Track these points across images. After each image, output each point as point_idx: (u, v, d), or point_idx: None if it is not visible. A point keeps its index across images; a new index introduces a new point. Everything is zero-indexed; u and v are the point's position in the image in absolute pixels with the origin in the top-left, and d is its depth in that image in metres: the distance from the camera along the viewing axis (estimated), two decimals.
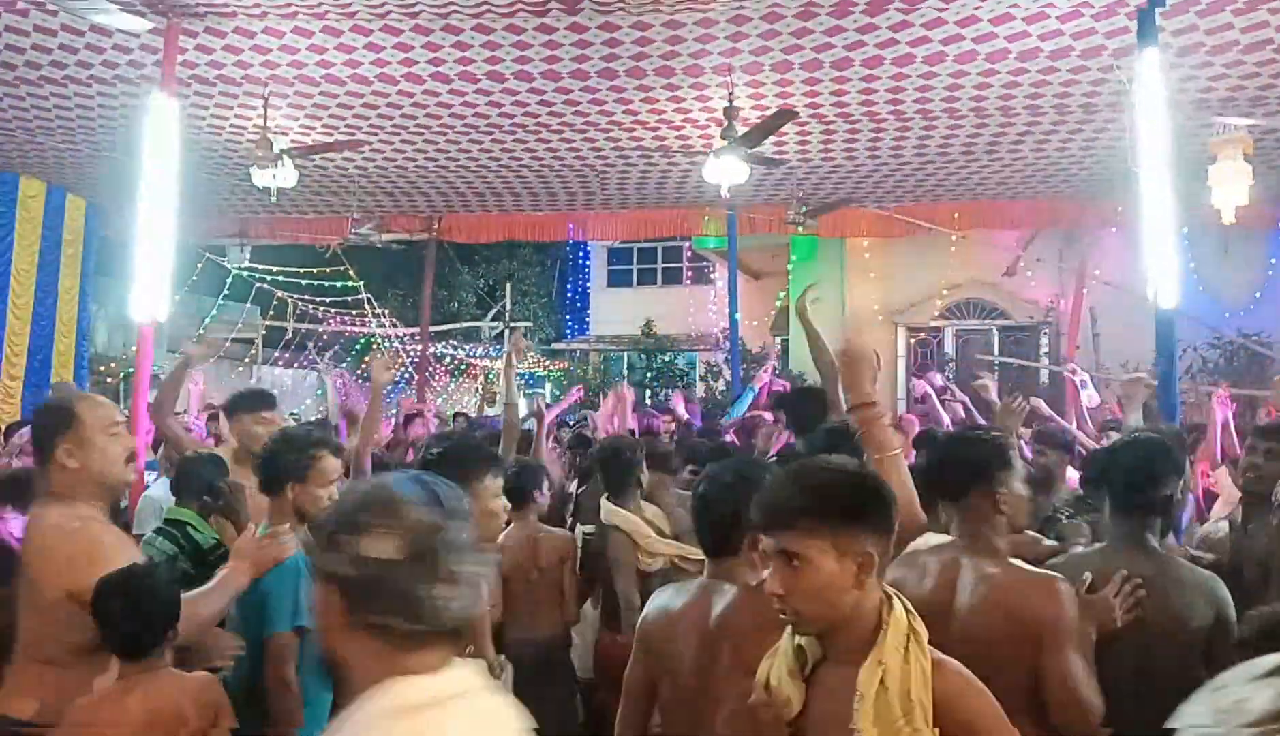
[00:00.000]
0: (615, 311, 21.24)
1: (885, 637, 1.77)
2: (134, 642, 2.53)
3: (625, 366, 20.27)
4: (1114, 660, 2.61)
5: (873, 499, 1.86)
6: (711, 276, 20.37)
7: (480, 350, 22.70)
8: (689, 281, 21.50)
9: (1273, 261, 12.82)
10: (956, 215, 11.14)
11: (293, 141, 8.22)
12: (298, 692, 2.89)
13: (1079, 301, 12.16)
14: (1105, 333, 12.82)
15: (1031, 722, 2.23)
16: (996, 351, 14.16)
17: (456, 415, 11.41)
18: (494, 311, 24.11)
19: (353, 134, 8.39)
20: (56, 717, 2.46)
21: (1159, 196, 5.65)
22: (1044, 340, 14.29)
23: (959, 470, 2.59)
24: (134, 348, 6.75)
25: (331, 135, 8.41)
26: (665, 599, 2.49)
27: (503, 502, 2.91)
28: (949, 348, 14.72)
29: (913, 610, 1.85)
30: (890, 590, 1.88)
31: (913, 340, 15.08)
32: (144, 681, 2.51)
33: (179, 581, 2.72)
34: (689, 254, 20.45)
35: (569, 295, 25.09)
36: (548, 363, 22.92)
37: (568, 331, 24.61)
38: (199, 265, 13.48)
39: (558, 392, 19.61)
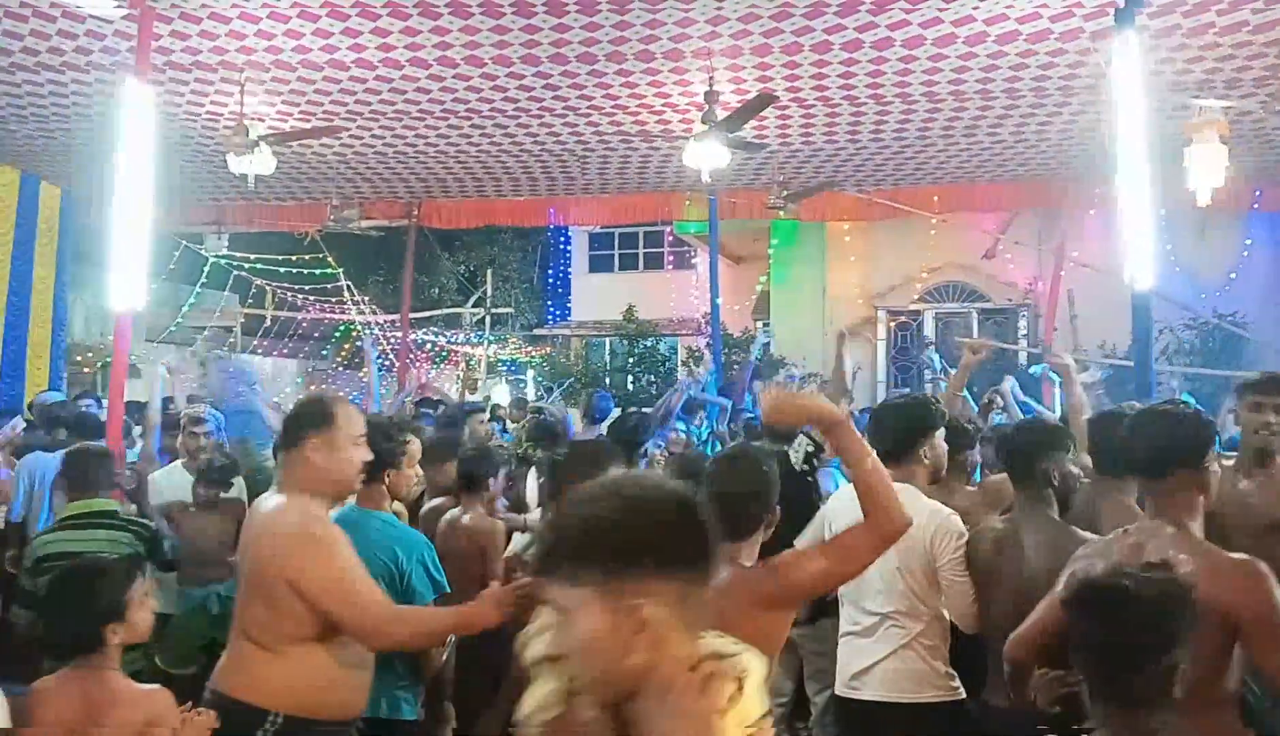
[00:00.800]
0: (597, 297, 21.21)
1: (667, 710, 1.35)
2: (72, 640, 2.47)
3: (607, 352, 20.27)
4: (1001, 622, 2.84)
5: (664, 535, 1.38)
6: (693, 261, 20.36)
7: (461, 336, 22.63)
8: (670, 266, 21.49)
9: (1248, 243, 12.94)
10: (936, 198, 11.15)
11: (270, 128, 8.15)
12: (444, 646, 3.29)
13: (1057, 283, 12.23)
14: (1083, 314, 12.86)
15: (1191, 715, 2.11)
16: (976, 334, 14.23)
17: (438, 402, 11.39)
18: (475, 297, 24.03)
19: (330, 120, 8.32)
20: (264, 700, 2.57)
21: (1136, 178, 5.70)
22: (1023, 322, 14.38)
23: (1164, 446, 2.48)
24: (111, 336, 6.70)
25: (309, 121, 8.34)
26: None
27: None
28: (929, 330, 14.78)
29: (749, 687, 1.40)
30: (721, 649, 1.43)
31: (893, 323, 15.13)
32: (83, 680, 2.44)
33: (127, 581, 2.66)
34: (670, 239, 20.42)
35: (550, 281, 25.03)
36: (529, 349, 22.88)
37: (549, 317, 24.56)
38: (176, 253, 13.35)
39: (540, 379, 19.58)
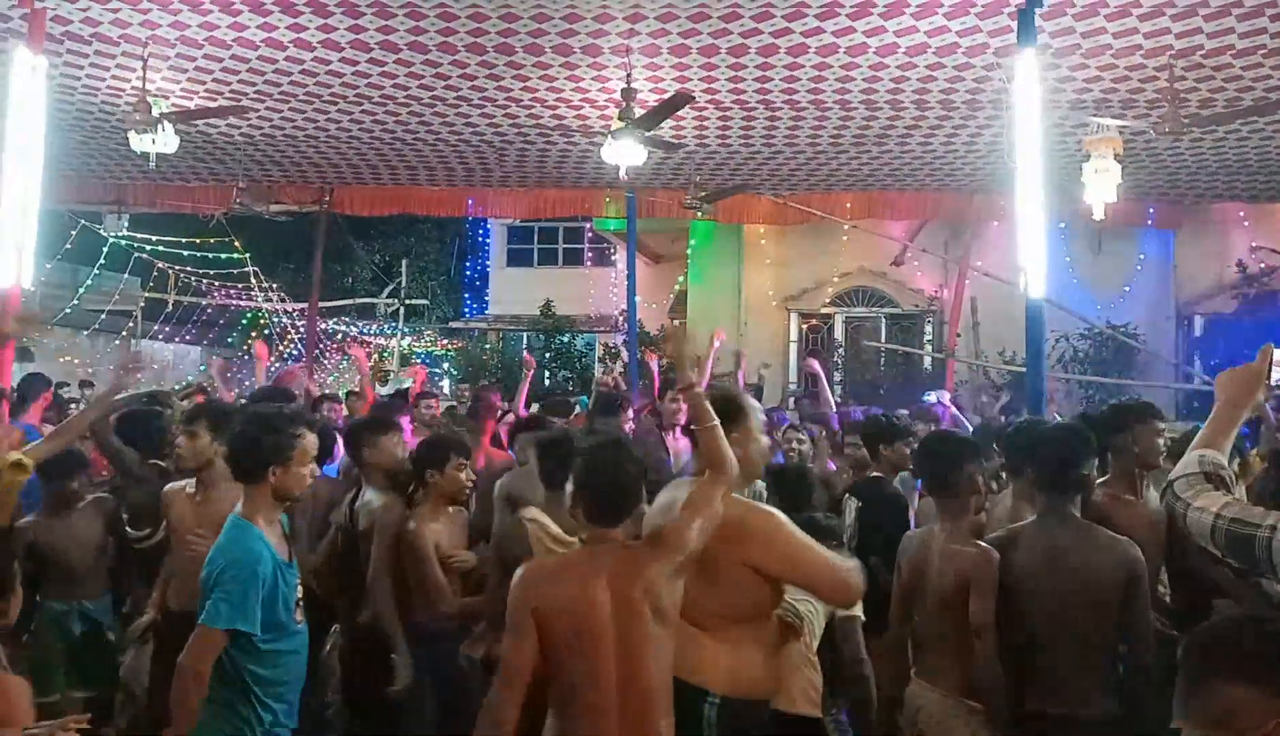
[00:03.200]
0: (515, 291, 21.06)
1: None
2: None
3: (524, 346, 20.15)
4: (1031, 616, 3.05)
5: None
6: (612, 258, 20.38)
7: (375, 327, 22.23)
8: (589, 263, 21.45)
9: (1141, 257, 13.54)
10: (849, 205, 11.38)
11: (174, 105, 7.89)
12: (200, 689, 2.71)
13: (960, 291, 12.60)
14: (985, 322, 13.34)
15: None
16: (884, 338, 14.57)
17: (349, 394, 11.14)
18: (390, 288, 23.63)
19: (238, 100, 8.09)
20: (705, 681, 2.66)
21: (1033, 192, 5.89)
22: (928, 328, 14.76)
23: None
24: None
25: (215, 100, 8.09)
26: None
27: None
28: (839, 334, 15.07)
29: None
30: None
31: (805, 326, 15.39)
32: None
33: None
34: (590, 235, 20.40)
35: (468, 273, 24.75)
36: (445, 342, 22.61)
37: (466, 310, 24.30)
38: (73, 233, 12.80)
39: (455, 373, 19.37)
